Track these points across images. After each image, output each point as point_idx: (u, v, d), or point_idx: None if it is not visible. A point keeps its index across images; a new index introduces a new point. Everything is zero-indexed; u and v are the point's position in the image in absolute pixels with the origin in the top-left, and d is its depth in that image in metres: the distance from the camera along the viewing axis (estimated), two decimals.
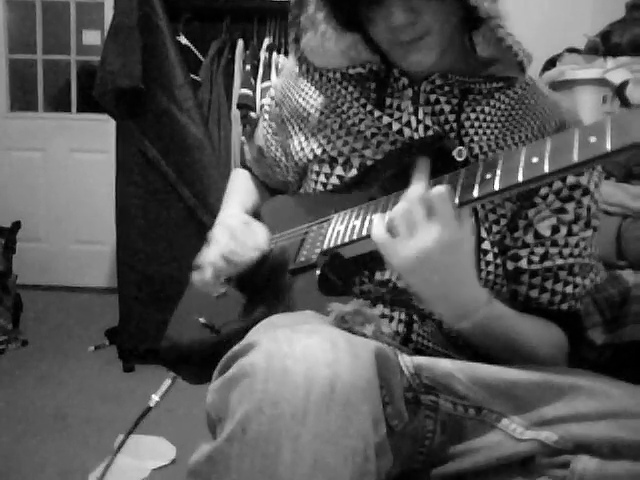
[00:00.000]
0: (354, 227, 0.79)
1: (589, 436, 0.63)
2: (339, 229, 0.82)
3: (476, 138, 0.87)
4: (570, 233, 0.86)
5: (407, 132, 0.89)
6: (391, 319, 0.83)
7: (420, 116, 0.88)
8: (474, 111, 0.88)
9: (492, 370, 0.71)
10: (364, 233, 0.77)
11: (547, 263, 0.86)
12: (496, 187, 0.66)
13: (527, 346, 0.80)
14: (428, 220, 0.68)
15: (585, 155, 0.60)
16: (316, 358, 0.56)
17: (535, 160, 0.64)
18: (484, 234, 0.85)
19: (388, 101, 0.91)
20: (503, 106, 0.89)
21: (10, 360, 2.84)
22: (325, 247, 0.82)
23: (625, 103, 2.11)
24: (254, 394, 0.55)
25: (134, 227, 2.74)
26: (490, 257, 0.86)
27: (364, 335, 0.69)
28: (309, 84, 0.99)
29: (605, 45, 2.27)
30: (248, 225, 0.91)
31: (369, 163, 0.89)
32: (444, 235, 0.68)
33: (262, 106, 1.11)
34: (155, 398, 1.11)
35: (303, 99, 0.99)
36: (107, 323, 3.10)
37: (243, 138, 2.82)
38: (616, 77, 2.11)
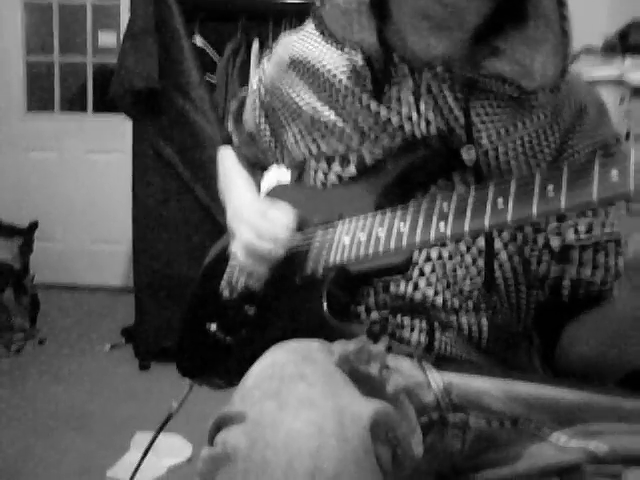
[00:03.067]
0: (360, 242, 0.76)
1: None
2: (345, 241, 0.78)
3: (484, 129, 0.81)
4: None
5: (408, 127, 0.83)
6: (412, 328, 0.81)
7: (422, 109, 0.82)
8: (479, 99, 0.82)
9: (530, 387, 0.69)
10: (371, 251, 0.74)
11: (596, 232, 0.80)
12: (509, 218, 0.61)
13: None
14: None
15: (605, 193, 0.56)
16: (298, 448, 0.52)
17: (551, 192, 0.59)
18: (494, 233, 0.80)
19: (386, 91, 0.84)
20: (511, 93, 0.81)
21: (27, 358, 2.86)
22: (332, 261, 0.79)
23: None
24: None
25: (150, 226, 2.76)
26: (504, 257, 0.80)
27: (369, 375, 0.66)
28: (299, 77, 0.92)
29: (623, 44, 2.25)
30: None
31: (368, 160, 0.84)
32: None
33: (249, 90, 1.04)
34: (175, 405, 1.12)
35: (295, 93, 0.92)
36: (123, 322, 3.12)
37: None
38: (634, 77, 2.09)
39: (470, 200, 0.66)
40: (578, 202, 0.58)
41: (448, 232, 0.66)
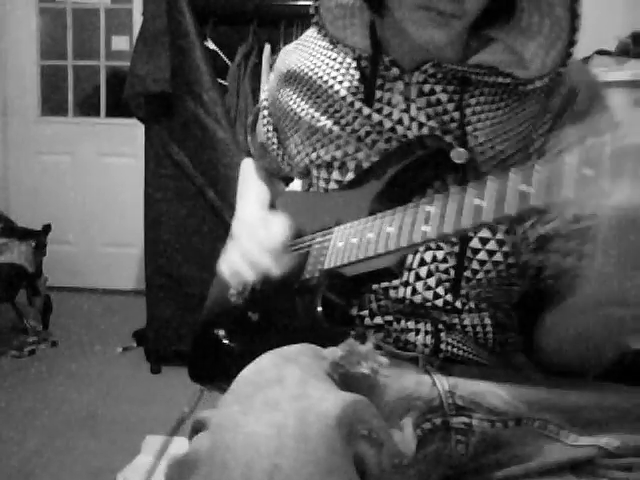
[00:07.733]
0: (352, 246, 0.76)
1: None
2: (339, 246, 0.78)
3: (480, 125, 0.80)
4: None
5: (400, 130, 0.83)
6: (417, 332, 0.80)
7: (413, 113, 0.82)
8: (473, 96, 0.81)
9: (533, 388, 0.70)
10: (361, 254, 0.75)
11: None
12: (486, 217, 0.62)
13: None
14: None
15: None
16: (257, 449, 0.53)
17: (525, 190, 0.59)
18: (488, 234, 0.79)
19: (378, 94, 0.84)
20: (505, 82, 0.80)
21: (40, 360, 2.88)
22: (326, 266, 0.79)
23: None
24: None
25: (162, 230, 2.77)
26: (499, 257, 0.79)
27: (362, 375, 0.66)
28: (296, 87, 0.94)
29: (636, 46, 2.24)
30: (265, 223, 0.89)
31: (365, 165, 0.84)
32: None
33: (261, 102, 1.06)
34: (186, 410, 1.12)
35: (293, 101, 0.94)
36: (135, 325, 3.13)
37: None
38: None
39: (450, 202, 0.66)
40: (552, 200, 0.57)
41: (432, 234, 0.67)
